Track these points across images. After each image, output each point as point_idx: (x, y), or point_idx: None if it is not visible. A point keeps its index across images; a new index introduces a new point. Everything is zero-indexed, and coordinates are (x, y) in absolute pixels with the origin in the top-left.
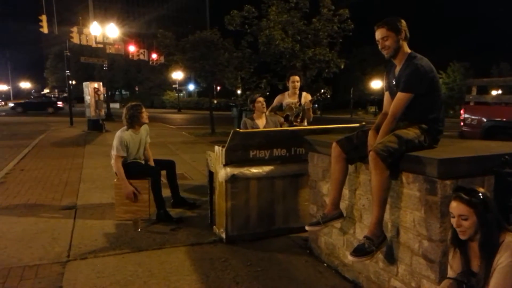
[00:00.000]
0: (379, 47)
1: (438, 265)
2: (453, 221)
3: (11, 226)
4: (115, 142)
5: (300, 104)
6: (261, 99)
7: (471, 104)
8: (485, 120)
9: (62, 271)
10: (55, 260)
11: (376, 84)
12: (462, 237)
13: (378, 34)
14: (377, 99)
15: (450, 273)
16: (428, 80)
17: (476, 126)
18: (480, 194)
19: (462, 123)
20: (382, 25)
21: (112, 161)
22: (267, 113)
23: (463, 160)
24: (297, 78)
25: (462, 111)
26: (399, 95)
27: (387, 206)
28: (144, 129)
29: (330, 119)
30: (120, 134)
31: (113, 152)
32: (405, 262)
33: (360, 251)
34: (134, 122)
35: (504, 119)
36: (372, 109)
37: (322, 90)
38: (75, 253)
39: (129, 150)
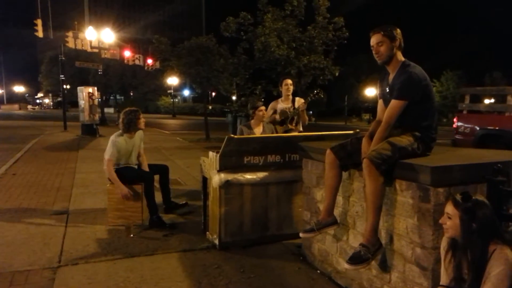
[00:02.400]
0: (373, 52)
1: (430, 272)
2: (442, 217)
3: (2, 230)
4: (108, 146)
5: (294, 108)
6: (263, 108)
7: (464, 112)
8: (478, 128)
9: (52, 276)
10: (46, 266)
11: (370, 91)
12: (446, 234)
13: (373, 39)
14: (371, 107)
15: (444, 278)
16: (422, 88)
17: (469, 134)
18: (472, 202)
19: (455, 131)
20: (378, 30)
21: (104, 166)
22: (265, 121)
23: (456, 168)
24: (289, 81)
25: (455, 119)
26: (393, 102)
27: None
28: (138, 135)
29: (324, 126)
30: (114, 139)
31: (106, 156)
32: (398, 270)
33: (356, 259)
34: (131, 127)
35: (497, 128)
36: (366, 116)
37: (315, 91)
38: (66, 258)
39: (120, 154)
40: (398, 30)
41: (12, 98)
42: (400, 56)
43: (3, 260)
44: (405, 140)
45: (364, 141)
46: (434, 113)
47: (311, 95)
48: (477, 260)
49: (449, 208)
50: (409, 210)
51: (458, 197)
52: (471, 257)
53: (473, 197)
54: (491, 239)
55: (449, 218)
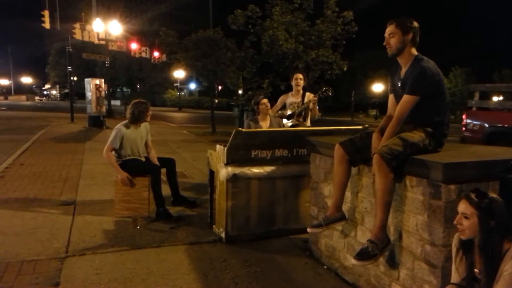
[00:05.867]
0: (384, 43)
1: (440, 270)
2: (456, 217)
3: (10, 220)
4: (112, 133)
5: (303, 103)
6: (265, 100)
7: (473, 109)
8: (487, 125)
9: (60, 267)
10: (53, 256)
11: (378, 87)
12: (461, 236)
13: (387, 30)
14: (378, 103)
15: (455, 277)
16: (435, 83)
17: (477, 131)
18: (488, 199)
19: (463, 128)
20: (392, 21)
21: (104, 153)
22: (271, 114)
23: (468, 165)
24: (300, 76)
25: (464, 116)
26: (405, 97)
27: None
28: (144, 126)
29: (331, 121)
30: (119, 127)
31: (108, 143)
32: (407, 267)
33: (363, 255)
34: (138, 118)
35: (506, 125)
36: (373, 112)
37: (324, 88)
38: (73, 249)
39: (125, 144)
40: (415, 24)
41: (20, 89)
42: (414, 50)
43: (11, 250)
44: (416, 136)
45: (374, 136)
46: (446, 109)
47: (320, 92)
48: (494, 258)
49: (465, 208)
50: (419, 207)
51: (472, 195)
52: (488, 255)
53: (488, 194)
54: (506, 236)
55: (466, 218)
